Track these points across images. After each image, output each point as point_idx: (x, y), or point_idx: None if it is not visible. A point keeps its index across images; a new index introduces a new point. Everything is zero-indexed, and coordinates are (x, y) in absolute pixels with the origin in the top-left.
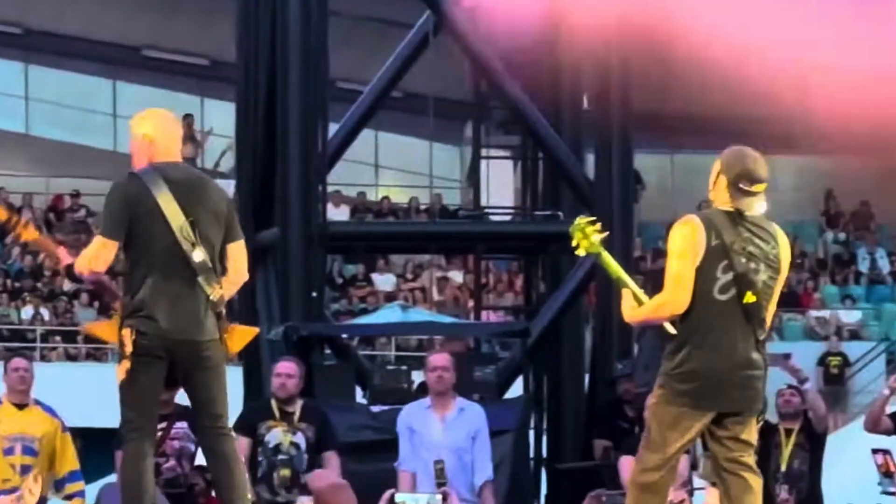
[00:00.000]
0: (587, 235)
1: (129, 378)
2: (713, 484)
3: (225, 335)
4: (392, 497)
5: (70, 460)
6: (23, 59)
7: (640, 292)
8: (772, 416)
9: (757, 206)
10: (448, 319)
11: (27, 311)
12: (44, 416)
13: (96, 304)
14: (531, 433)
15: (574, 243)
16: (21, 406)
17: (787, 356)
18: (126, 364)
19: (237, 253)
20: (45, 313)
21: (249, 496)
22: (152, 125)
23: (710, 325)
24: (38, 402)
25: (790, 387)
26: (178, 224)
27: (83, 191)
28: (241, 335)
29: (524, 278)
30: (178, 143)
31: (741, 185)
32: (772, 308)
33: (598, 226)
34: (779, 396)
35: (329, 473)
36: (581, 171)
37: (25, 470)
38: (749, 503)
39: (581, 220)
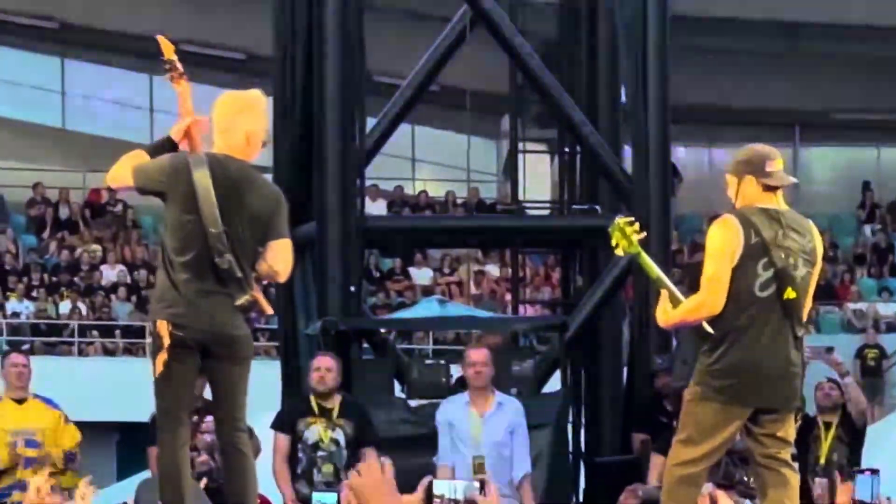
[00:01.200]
0: (626, 235)
1: (166, 370)
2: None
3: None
4: (430, 484)
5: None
6: (59, 53)
7: (678, 293)
8: (811, 409)
9: (782, 200)
10: (485, 314)
11: (65, 306)
12: (43, 409)
13: (133, 298)
14: (569, 427)
15: (613, 243)
16: (20, 401)
17: (829, 350)
18: (163, 356)
19: (278, 249)
20: (83, 308)
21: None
22: (218, 112)
23: (749, 322)
24: (36, 396)
25: (829, 380)
26: (214, 231)
27: None
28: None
29: (561, 272)
30: (246, 135)
31: (767, 169)
32: (808, 303)
33: (637, 226)
34: (818, 390)
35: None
36: (619, 164)
37: (29, 462)
38: (786, 497)
39: (620, 220)
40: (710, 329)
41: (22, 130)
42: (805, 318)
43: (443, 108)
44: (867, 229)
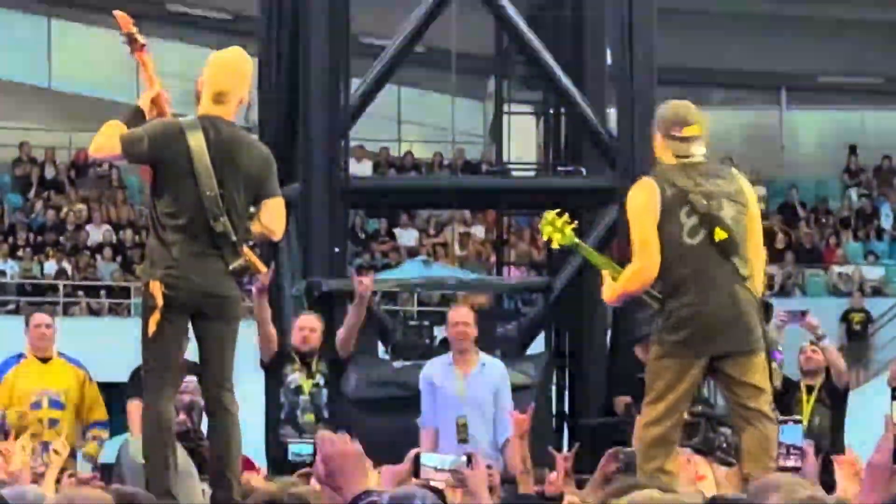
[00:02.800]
0: (558, 228)
1: (158, 330)
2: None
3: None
4: (417, 457)
5: (97, 410)
6: (45, 12)
7: (621, 270)
8: (794, 374)
9: (695, 149)
10: (470, 275)
11: (50, 266)
12: (68, 368)
13: (119, 258)
14: (553, 389)
15: (545, 238)
16: (45, 360)
17: (804, 313)
18: (155, 317)
19: (273, 207)
20: (68, 268)
21: (238, 464)
22: (210, 72)
23: (687, 272)
24: (61, 355)
25: (811, 343)
26: (209, 193)
27: None
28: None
29: None
30: (236, 94)
31: (673, 133)
32: (754, 244)
33: (567, 216)
34: (800, 353)
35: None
36: (604, 126)
37: (53, 423)
38: (760, 449)
39: (548, 214)
40: (653, 295)
41: (7, 90)
42: (754, 259)
43: (428, 70)
44: (853, 193)
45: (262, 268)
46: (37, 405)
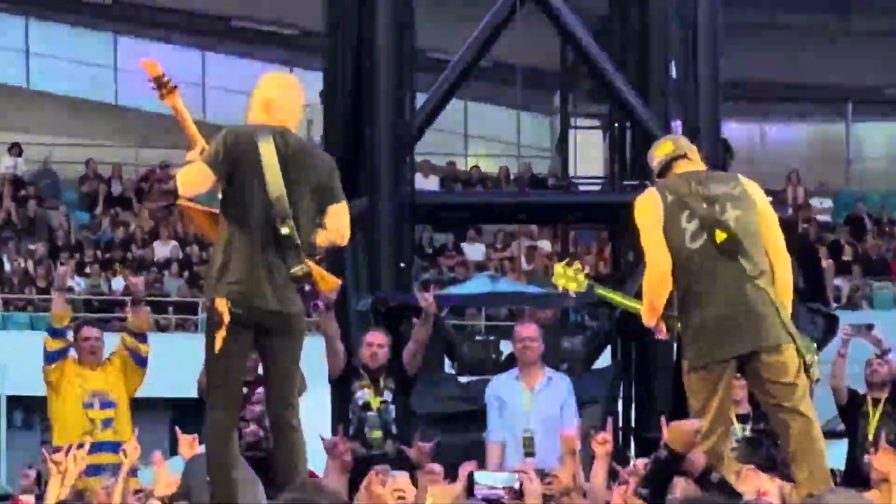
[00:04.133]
0: (571, 277)
1: (223, 348)
2: (758, 466)
3: (315, 276)
4: (471, 475)
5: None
6: (112, 29)
7: (640, 304)
8: (860, 386)
9: (699, 164)
10: (536, 289)
11: (117, 282)
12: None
13: (186, 274)
14: (620, 403)
15: (561, 290)
16: (94, 367)
17: (869, 327)
18: (221, 333)
19: (338, 213)
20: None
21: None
22: (272, 88)
23: (695, 278)
24: (109, 359)
25: (878, 356)
26: (277, 194)
27: (172, 161)
28: (327, 280)
29: (612, 248)
30: (296, 111)
31: (675, 156)
32: (771, 242)
33: (578, 264)
34: (867, 366)
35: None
36: None
37: (107, 423)
38: (799, 448)
39: (559, 267)
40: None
41: (75, 107)
42: (767, 257)
43: (495, 84)
44: None
45: (332, 281)
46: (89, 405)
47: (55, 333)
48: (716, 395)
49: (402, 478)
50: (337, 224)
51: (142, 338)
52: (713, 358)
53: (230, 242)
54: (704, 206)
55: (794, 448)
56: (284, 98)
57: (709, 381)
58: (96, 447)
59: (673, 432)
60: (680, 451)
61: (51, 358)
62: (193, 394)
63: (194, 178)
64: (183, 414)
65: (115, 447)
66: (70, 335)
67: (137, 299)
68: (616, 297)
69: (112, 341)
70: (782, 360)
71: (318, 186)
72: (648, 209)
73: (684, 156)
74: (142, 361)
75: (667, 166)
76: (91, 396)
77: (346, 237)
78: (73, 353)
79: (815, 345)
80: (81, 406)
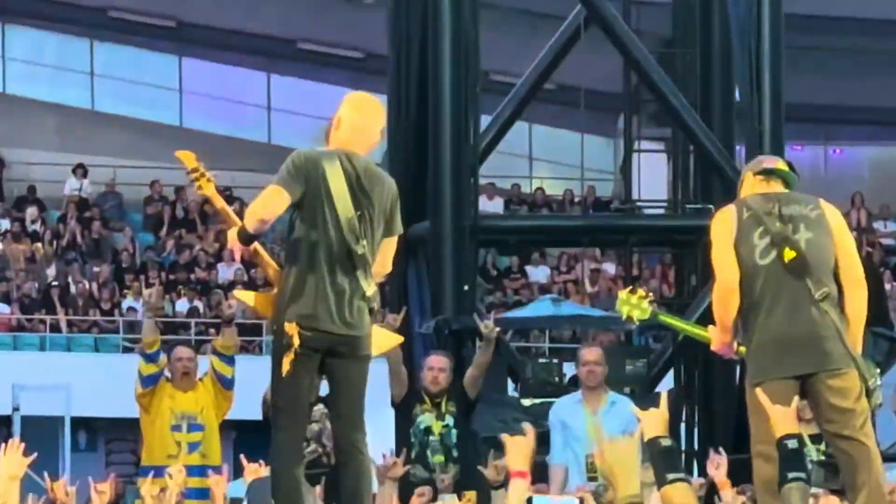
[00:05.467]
0: (635, 305)
1: (291, 372)
2: (833, 491)
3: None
4: (529, 500)
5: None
6: (176, 51)
7: (707, 331)
8: None
9: (777, 183)
10: (599, 312)
11: (182, 304)
12: (207, 390)
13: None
14: (682, 426)
15: (624, 317)
16: (187, 389)
17: None
18: (289, 357)
19: (389, 247)
20: (200, 306)
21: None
22: (347, 110)
23: (761, 294)
24: (200, 379)
25: None
26: (347, 216)
27: (237, 184)
28: (384, 339)
29: (676, 271)
30: (370, 135)
31: (761, 167)
32: (844, 268)
33: (642, 291)
34: None
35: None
36: (731, 163)
37: (194, 447)
38: (858, 479)
39: (623, 294)
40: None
41: (140, 128)
42: (836, 281)
43: (559, 107)
44: None
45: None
46: (177, 428)
47: (149, 358)
48: (757, 413)
49: (450, 499)
50: (384, 259)
51: (228, 360)
52: (773, 375)
53: (299, 265)
54: (778, 224)
55: (852, 476)
56: (360, 120)
57: (772, 399)
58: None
59: None
60: None
61: (146, 382)
62: (257, 416)
63: (271, 201)
64: (247, 435)
65: (201, 471)
66: (162, 358)
67: (228, 319)
68: (680, 324)
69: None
70: (843, 385)
71: (383, 211)
72: (723, 223)
73: (777, 176)
74: (228, 384)
75: (761, 174)
76: (180, 419)
77: (389, 271)
78: (167, 373)
79: (878, 369)
80: (169, 428)
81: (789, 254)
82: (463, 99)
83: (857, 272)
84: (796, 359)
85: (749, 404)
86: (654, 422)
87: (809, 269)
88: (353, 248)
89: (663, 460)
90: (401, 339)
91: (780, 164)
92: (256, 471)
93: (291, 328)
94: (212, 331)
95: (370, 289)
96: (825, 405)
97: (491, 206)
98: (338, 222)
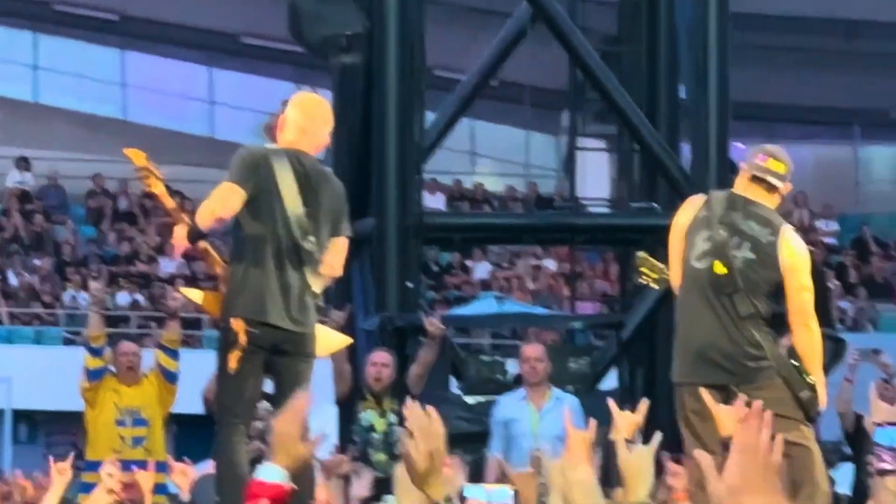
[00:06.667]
0: (653, 268)
1: (237, 368)
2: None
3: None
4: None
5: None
6: (120, 45)
7: None
8: (866, 410)
9: (761, 187)
10: (543, 311)
11: (123, 297)
12: (151, 384)
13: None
14: None
15: (644, 281)
16: (131, 384)
17: (876, 352)
18: (235, 354)
19: (338, 249)
20: (141, 299)
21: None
22: (294, 112)
23: (689, 294)
24: (145, 374)
25: (884, 380)
26: (297, 213)
27: (180, 178)
28: (332, 341)
29: (619, 270)
30: (316, 137)
31: (755, 160)
32: (792, 305)
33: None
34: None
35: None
36: (676, 162)
37: (138, 441)
38: (796, 473)
39: (642, 255)
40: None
41: (83, 122)
42: (757, 311)
43: (502, 103)
44: None
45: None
46: (121, 423)
47: (94, 352)
48: (707, 419)
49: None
50: (333, 260)
51: (173, 354)
52: (689, 380)
53: (246, 261)
54: (723, 233)
55: (789, 476)
56: (306, 122)
57: (690, 405)
58: (126, 465)
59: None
60: None
61: (92, 376)
62: (198, 409)
63: (228, 199)
64: (187, 429)
65: (145, 466)
66: (107, 352)
67: (172, 313)
68: None
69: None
70: (766, 396)
71: (330, 212)
72: (678, 218)
73: (762, 181)
74: (173, 378)
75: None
76: (124, 413)
77: (339, 273)
78: (111, 367)
79: (815, 380)
80: (114, 423)
81: (719, 268)
82: (408, 96)
83: (804, 316)
84: (712, 369)
85: (677, 404)
86: (627, 423)
87: (736, 286)
88: (301, 244)
89: None
90: (349, 340)
91: (772, 164)
92: (184, 470)
93: (238, 324)
94: (153, 324)
95: (317, 286)
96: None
97: (433, 201)
98: (287, 218)
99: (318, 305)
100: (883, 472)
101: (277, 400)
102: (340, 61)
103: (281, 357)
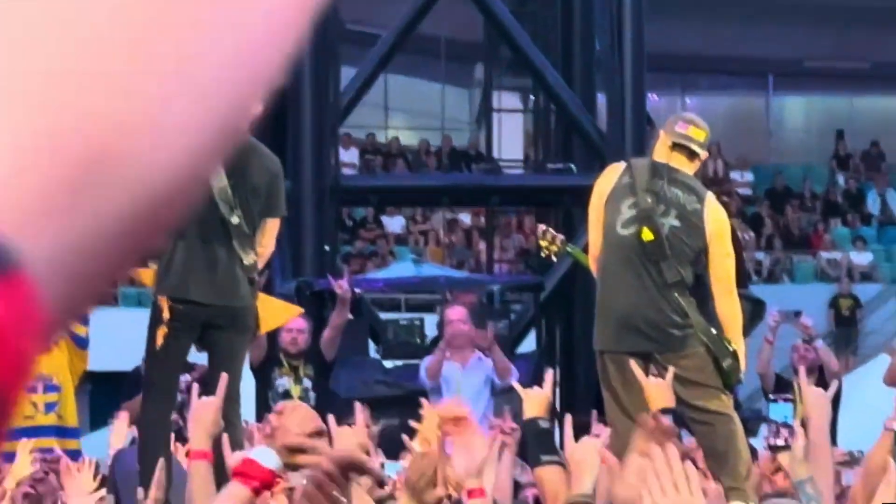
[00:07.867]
0: (553, 239)
1: (164, 344)
2: None
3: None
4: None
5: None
6: None
7: None
8: (787, 371)
9: (684, 153)
10: (460, 273)
11: None
12: (61, 350)
13: None
14: None
15: (545, 254)
16: None
17: (797, 314)
18: (162, 330)
19: (271, 228)
20: None
21: None
22: None
23: (613, 261)
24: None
25: (805, 341)
26: (220, 185)
27: None
28: (276, 313)
29: (535, 225)
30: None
31: (677, 128)
32: (715, 272)
33: (551, 230)
34: (793, 352)
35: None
36: (592, 122)
37: (50, 408)
38: (714, 443)
39: (542, 228)
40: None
41: None
42: (682, 278)
43: (416, 56)
44: (840, 178)
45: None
46: (32, 389)
47: None
48: (608, 385)
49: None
50: (267, 241)
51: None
52: (613, 348)
53: (172, 238)
54: (649, 200)
55: (710, 444)
56: None
57: (615, 373)
58: (39, 431)
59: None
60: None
61: None
62: (111, 367)
63: None
64: (102, 387)
65: (58, 431)
66: None
67: None
68: (584, 258)
69: None
70: (688, 364)
71: (258, 189)
72: (599, 184)
73: (684, 148)
74: (83, 343)
75: (676, 133)
76: (35, 380)
77: (271, 251)
78: None
79: (736, 349)
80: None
81: (647, 234)
82: (323, 56)
83: (728, 283)
84: (636, 337)
85: (600, 371)
86: (536, 402)
87: (665, 254)
88: (227, 217)
89: (539, 442)
90: (300, 310)
91: (693, 131)
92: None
93: (163, 301)
94: None
95: (248, 258)
96: (673, 381)
97: (346, 156)
98: (210, 193)
99: (252, 278)
100: (775, 448)
101: (210, 374)
102: None
103: (214, 331)
